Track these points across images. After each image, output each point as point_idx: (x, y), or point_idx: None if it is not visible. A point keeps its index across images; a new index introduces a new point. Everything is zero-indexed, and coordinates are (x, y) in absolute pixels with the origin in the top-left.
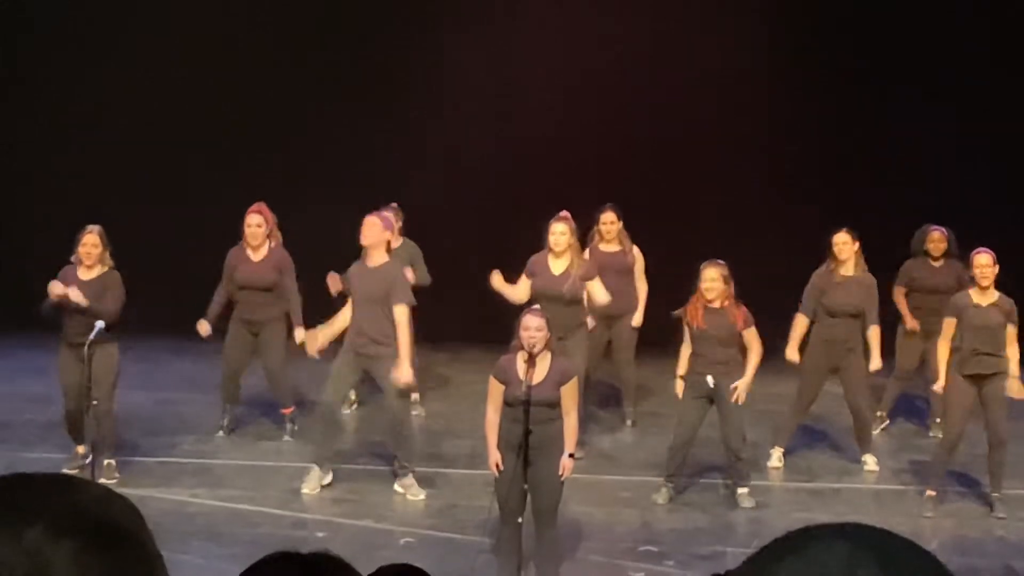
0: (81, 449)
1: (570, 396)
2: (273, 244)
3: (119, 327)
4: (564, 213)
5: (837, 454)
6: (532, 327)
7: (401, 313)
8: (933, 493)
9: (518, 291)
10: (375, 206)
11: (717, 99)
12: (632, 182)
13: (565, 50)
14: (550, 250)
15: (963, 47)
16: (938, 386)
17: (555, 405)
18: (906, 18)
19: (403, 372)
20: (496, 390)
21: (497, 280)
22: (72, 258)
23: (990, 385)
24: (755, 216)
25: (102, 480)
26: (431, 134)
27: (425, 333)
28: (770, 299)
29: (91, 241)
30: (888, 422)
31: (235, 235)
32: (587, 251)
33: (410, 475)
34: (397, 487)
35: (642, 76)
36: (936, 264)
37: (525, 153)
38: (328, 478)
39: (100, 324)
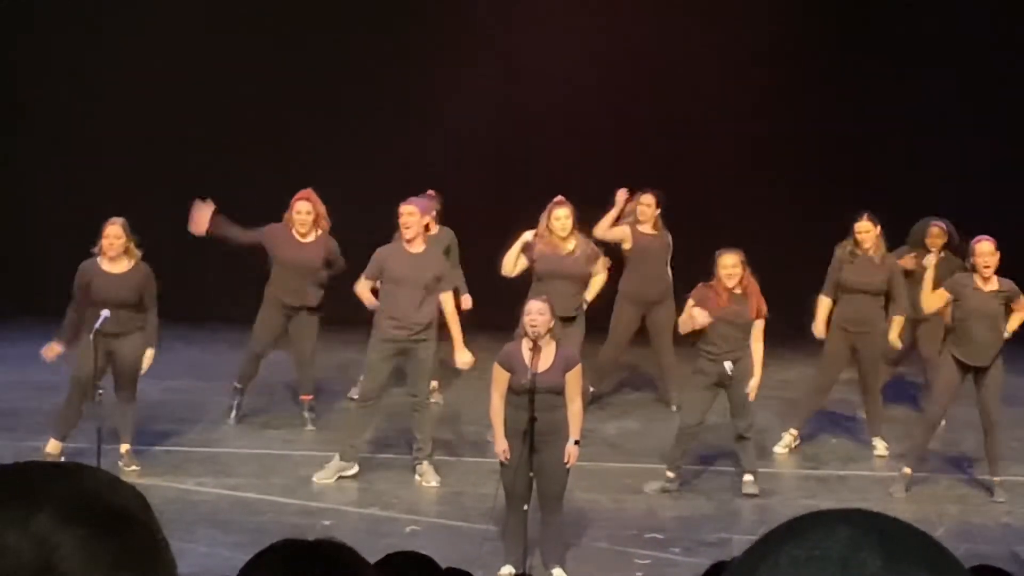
0: (58, 448)
1: (574, 383)
2: (320, 232)
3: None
4: (561, 198)
5: (843, 441)
6: (534, 311)
7: (448, 300)
8: (908, 471)
9: (517, 263)
10: (403, 192)
11: (726, 79)
12: (645, 166)
13: (578, 35)
14: (552, 233)
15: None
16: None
17: (561, 392)
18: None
19: (465, 354)
20: (501, 377)
21: (525, 243)
22: (94, 249)
23: (984, 371)
24: (768, 200)
25: (123, 467)
26: (440, 119)
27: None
28: (782, 285)
29: (114, 233)
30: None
31: (246, 222)
32: (626, 228)
33: (426, 461)
34: (416, 476)
35: (656, 60)
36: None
37: (534, 139)
38: (354, 469)
39: (105, 313)
